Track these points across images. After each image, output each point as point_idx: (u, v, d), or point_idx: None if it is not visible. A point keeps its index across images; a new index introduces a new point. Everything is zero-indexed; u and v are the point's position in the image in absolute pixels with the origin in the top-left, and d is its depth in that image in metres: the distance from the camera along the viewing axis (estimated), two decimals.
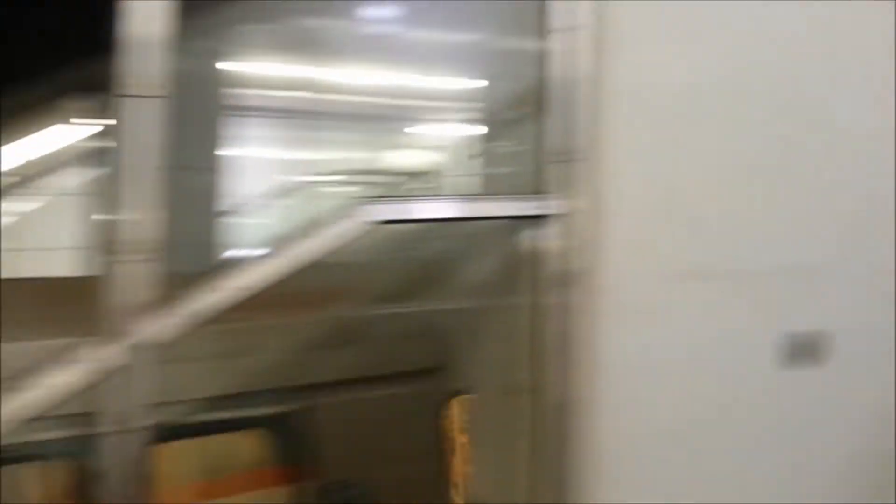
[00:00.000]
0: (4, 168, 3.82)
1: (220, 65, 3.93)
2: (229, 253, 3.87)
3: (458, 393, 2.58)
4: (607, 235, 1.79)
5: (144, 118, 1.34)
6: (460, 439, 2.61)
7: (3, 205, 3.97)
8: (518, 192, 1.88)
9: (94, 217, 3.79)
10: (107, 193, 1.39)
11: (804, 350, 2.03)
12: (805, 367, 2.05)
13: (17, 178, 3.87)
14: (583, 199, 1.78)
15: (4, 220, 4.28)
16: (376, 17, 4.09)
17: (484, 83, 2.23)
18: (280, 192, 5.48)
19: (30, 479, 2.19)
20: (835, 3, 2.20)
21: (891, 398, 2.25)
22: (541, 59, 1.80)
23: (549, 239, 1.81)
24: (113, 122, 1.35)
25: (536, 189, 1.83)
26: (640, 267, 1.85)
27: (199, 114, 3.66)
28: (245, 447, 2.58)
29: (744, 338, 2.00)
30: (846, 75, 2.19)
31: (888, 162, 2.27)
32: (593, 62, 1.77)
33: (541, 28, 1.79)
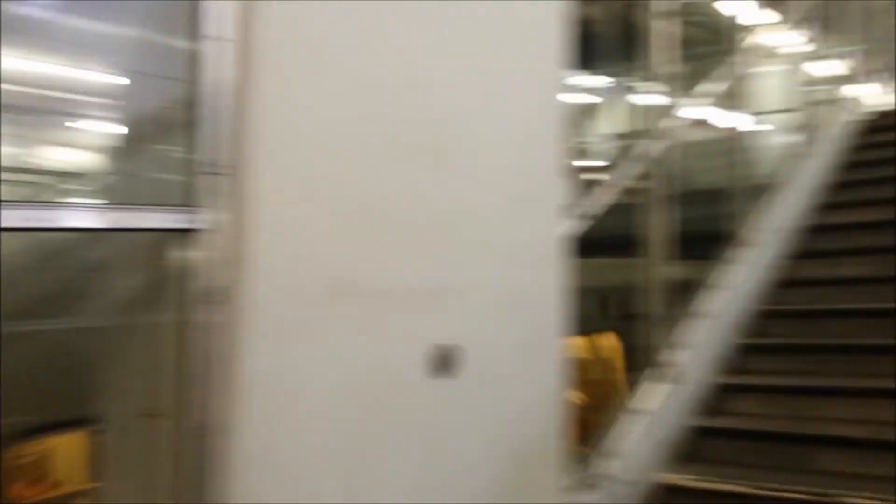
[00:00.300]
0: None
1: None
2: None
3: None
4: (255, 252, 1.76)
5: None
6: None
7: None
8: (166, 203, 1.77)
9: None
10: None
11: (446, 363, 2.17)
12: (448, 378, 2.19)
13: None
14: (229, 213, 1.73)
15: None
16: None
17: (136, 84, 2.09)
18: None
19: None
20: (484, 41, 2.40)
21: (521, 405, 2.49)
22: (193, 65, 1.73)
23: (196, 254, 1.73)
24: None
25: (185, 201, 1.75)
26: (290, 284, 1.84)
27: None
28: None
29: (393, 352, 2.08)
30: (490, 109, 2.41)
31: (523, 191, 2.53)
32: (242, 74, 1.74)
33: (194, 34, 1.73)
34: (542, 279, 2.61)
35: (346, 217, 1.96)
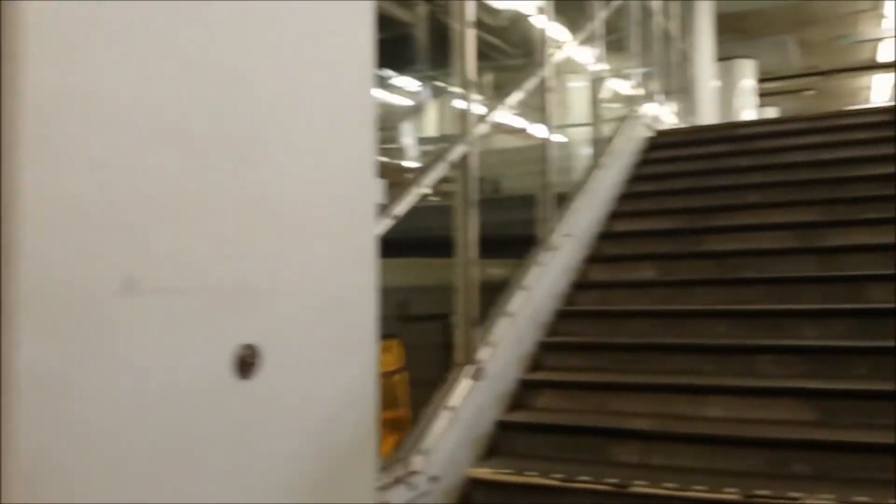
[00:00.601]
0: None
1: None
2: None
3: None
4: (24, 245, 1.57)
5: None
6: None
7: None
8: None
9: None
10: None
11: (253, 363, 2.08)
12: (255, 379, 2.10)
13: None
14: None
15: None
16: None
17: None
18: None
19: None
20: (295, 35, 2.33)
21: (333, 405, 2.45)
22: None
23: None
24: None
25: None
26: (69, 280, 1.65)
27: None
28: None
29: (194, 353, 1.95)
30: (300, 105, 2.34)
31: (335, 190, 2.48)
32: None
33: None
34: (354, 279, 2.57)
35: (137, 209, 1.79)
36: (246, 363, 2.05)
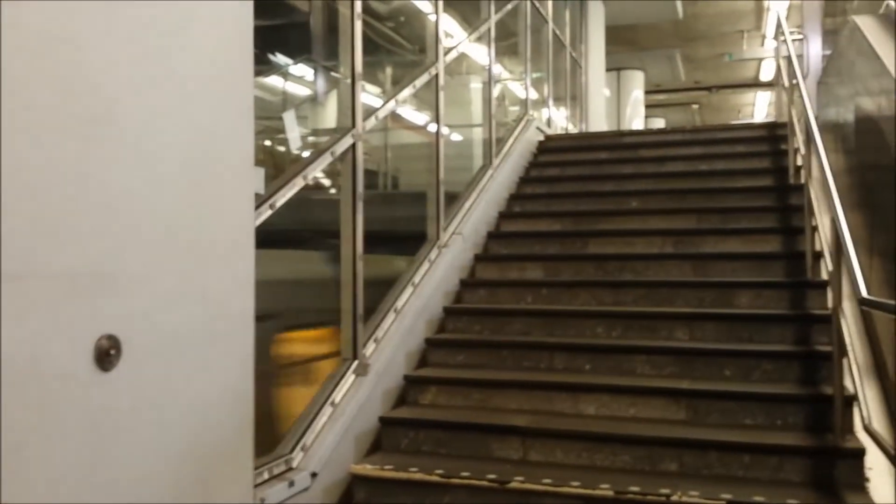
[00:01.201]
0: None
1: None
2: None
3: None
4: None
5: None
6: None
7: None
8: None
9: None
10: None
11: (110, 354, 1.96)
12: (117, 371, 1.99)
13: None
14: None
15: None
16: None
17: None
18: None
19: None
20: (161, 19, 2.20)
21: (205, 400, 2.36)
22: None
23: None
24: None
25: None
26: None
27: None
28: None
29: (49, 342, 1.83)
30: (174, 88, 2.22)
31: (209, 178, 2.38)
32: None
33: None
34: (229, 270, 2.48)
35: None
36: (107, 354, 1.95)
